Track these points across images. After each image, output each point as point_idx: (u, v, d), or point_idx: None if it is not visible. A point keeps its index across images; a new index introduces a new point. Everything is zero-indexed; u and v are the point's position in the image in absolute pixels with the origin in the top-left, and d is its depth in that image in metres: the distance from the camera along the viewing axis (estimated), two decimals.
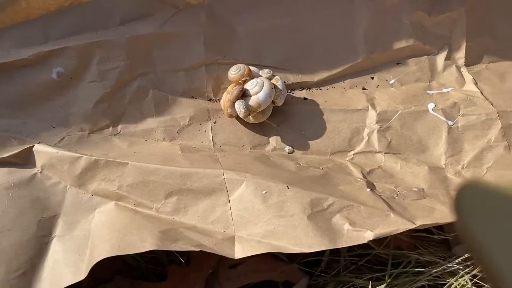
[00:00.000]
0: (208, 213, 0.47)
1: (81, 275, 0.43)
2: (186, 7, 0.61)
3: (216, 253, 0.43)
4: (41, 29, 0.56)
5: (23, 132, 0.54)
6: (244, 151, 0.56)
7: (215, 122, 0.59)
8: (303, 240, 0.43)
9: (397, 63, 0.64)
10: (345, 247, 0.51)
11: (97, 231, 0.46)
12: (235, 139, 0.58)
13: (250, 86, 0.56)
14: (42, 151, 0.50)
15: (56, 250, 0.45)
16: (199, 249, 0.43)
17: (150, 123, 0.57)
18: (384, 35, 0.64)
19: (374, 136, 0.58)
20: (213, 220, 0.46)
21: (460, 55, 0.65)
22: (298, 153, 0.57)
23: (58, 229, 0.47)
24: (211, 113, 0.59)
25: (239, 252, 0.43)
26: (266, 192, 0.47)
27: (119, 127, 0.57)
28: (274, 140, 0.58)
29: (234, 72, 0.57)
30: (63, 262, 0.44)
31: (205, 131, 0.58)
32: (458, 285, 0.50)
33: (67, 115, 0.56)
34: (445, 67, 0.64)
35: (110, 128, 0.56)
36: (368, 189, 0.49)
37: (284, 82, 0.61)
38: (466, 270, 0.50)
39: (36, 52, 0.55)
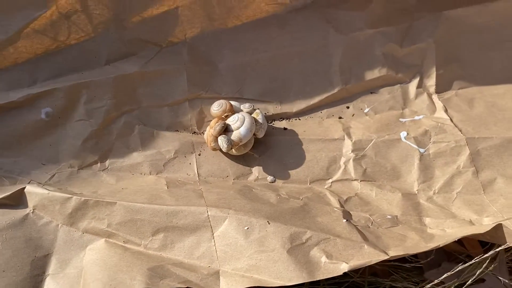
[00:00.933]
0: (193, 249, 0.49)
1: None
2: (169, 45, 0.63)
3: None
4: (29, 72, 0.59)
5: (14, 170, 0.56)
6: (228, 182, 0.59)
7: (199, 154, 0.61)
8: (283, 273, 0.46)
9: (371, 92, 0.68)
10: None
11: (88, 268, 0.48)
12: (219, 171, 0.60)
13: (232, 121, 0.59)
14: (34, 192, 0.52)
15: None
16: (186, 286, 0.45)
17: (137, 157, 0.60)
18: (358, 66, 0.67)
19: (350, 165, 0.61)
20: (199, 256, 0.49)
21: (431, 83, 0.69)
22: (279, 182, 0.60)
23: (51, 267, 0.49)
24: (195, 145, 0.62)
25: (224, 286, 0.46)
26: (248, 228, 0.50)
27: (107, 163, 0.59)
28: (256, 170, 0.61)
29: (216, 108, 0.60)
30: None
31: (190, 163, 0.61)
32: None
33: (57, 152, 0.58)
34: (417, 95, 0.68)
35: (99, 164, 0.59)
36: (344, 220, 0.52)
37: (265, 113, 0.64)
38: None
39: (25, 94, 0.57)
